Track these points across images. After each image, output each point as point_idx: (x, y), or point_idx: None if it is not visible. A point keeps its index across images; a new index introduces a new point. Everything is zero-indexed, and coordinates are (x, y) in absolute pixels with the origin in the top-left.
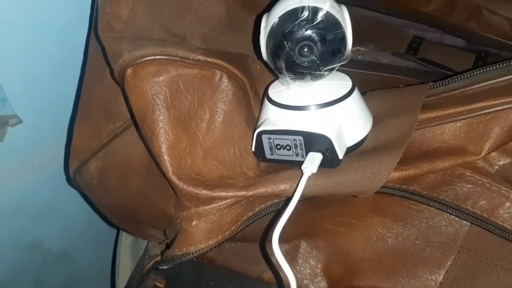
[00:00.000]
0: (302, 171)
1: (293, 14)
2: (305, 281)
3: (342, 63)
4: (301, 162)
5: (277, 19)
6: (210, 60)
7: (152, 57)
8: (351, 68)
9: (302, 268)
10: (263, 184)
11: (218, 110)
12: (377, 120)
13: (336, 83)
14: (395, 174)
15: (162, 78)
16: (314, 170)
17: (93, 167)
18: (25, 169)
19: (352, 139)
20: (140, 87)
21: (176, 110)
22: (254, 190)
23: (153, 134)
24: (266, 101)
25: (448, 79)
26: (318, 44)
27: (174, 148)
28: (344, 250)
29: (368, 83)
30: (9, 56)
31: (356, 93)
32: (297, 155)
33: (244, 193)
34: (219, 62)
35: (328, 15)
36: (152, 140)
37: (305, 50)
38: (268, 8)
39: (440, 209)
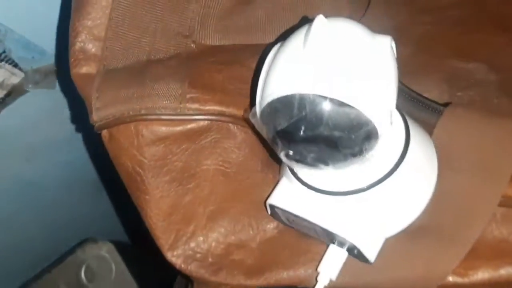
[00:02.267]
0: (317, 273)
1: (286, 105)
2: None
3: (371, 154)
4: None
5: (267, 107)
6: (205, 108)
7: (129, 117)
8: None
9: None
10: (273, 269)
11: (223, 165)
12: (446, 167)
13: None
14: (449, 279)
15: (143, 142)
16: (333, 277)
17: None
18: None
19: (396, 227)
20: (119, 156)
21: (167, 176)
22: (263, 278)
23: (142, 209)
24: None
25: None
26: (328, 150)
27: (168, 222)
28: None
29: None
30: None
31: (408, 163)
32: (318, 235)
33: (249, 283)
34: (217, 108)
35: (340, 109)
36: (142, 214)
37: (311, 156)
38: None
39: None
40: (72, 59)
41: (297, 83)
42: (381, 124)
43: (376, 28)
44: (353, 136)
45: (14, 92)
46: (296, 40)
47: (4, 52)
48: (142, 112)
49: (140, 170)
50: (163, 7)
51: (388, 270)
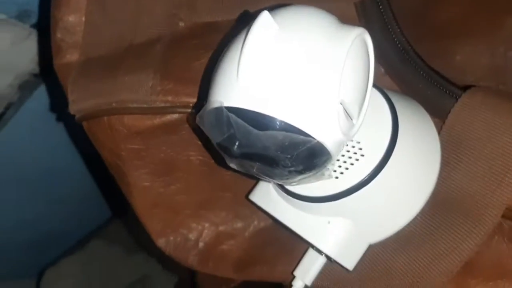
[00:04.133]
0: (293, 276)
1: (218, 119)
2: None
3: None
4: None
5: (205, 116)
6: (178, 101)
7: (100, 111)
8: None
9: None
10: (257, 264)
11: (205, 155)
12: (450, 166)
13: (356, 147)
14: None
15: (117, 136)
16: (308, 282)
17: None
18: None
19: (381, 234)
20: (99, 149)
21: (147, 168)
22: (247, 272)
23: (128, 199)
24: None
25: None
26: (269, 167)
27: (154, 211)
28: None
29: None
30: None
31: (394, 165)
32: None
33: (236, 276)
34: (191, 100)
35: (268, 126)
36: (130, 202)
37: (254, 170)
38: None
39: None
40: (54, 49)
41: (223, 94)
42: (330, 140)
43: None
44: (289, 156)
45: None
46: (236, 42)
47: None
48: (113, 105)
49: (120, 163)
50: None
51: (370, 280)
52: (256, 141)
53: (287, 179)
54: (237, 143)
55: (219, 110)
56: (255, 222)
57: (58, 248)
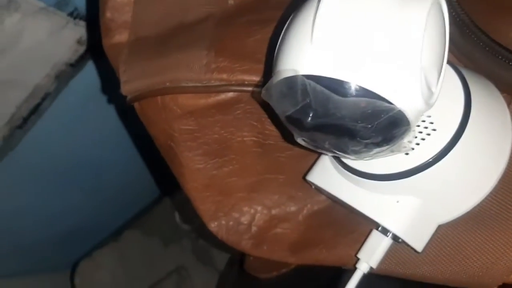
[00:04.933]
0: (357, 259)
1: (291, 88)
2: None
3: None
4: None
5: (274, 88)
6: (233, 79)
7: (154, 91)
8: None
9: None
10: (315, 247)
11: (259, 136)
12: None
13: (427, 121)
14: None
15: (171, 116)
16: (374, 265)
17: None
18: None
19: (451, 213)
20: (151, 129)
21: (201, 149)
22: (302, 255)
23: (180, 181)
24: None
25: None
26: (345, 140)
27: (206, 194)
28: None
29: None
30: None
31: (466, 141)
32: (362, 217)
33: (291, 260)
34: (246, 78)
35: (350, 93)
36: (181, 185)
37: (327, 144)
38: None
39: None
40: (103, 29)
41: (299, 62)
42: (412, 108)
43: None
44: (370, 126)
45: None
46: (309, 8)
47: (75, 10)
48: (167, 85)
49: (172, 144)
50: None
51: (441, 261)
52: (335, 109)
53: (361, 153)
54: (311, 114)
55: (292, 78)
56: (309, 205)
57: (92, 240)
